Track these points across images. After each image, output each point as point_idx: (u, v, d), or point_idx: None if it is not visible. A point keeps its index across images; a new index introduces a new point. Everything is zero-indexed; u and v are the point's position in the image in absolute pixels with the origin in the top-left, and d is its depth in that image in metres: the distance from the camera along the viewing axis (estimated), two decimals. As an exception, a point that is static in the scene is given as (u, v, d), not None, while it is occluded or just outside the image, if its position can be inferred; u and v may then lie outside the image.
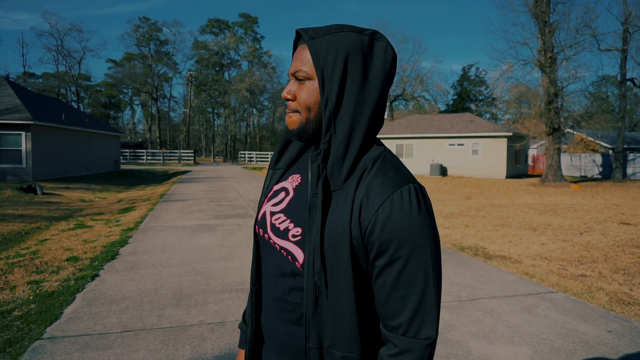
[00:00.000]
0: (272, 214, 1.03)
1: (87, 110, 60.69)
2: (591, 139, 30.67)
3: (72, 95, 60.86)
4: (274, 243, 0.99)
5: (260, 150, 61.88)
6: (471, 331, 3.48)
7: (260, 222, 1.07)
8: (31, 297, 4.12)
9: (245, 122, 72.93)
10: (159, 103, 66.30)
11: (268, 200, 1.08)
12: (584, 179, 26.61)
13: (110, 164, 28.66)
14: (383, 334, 0.91)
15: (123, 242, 6.56)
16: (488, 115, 54.24)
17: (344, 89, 0.91)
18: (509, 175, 26.00)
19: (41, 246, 6.50)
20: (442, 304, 4.08)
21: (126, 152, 43.26)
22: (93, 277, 4.76)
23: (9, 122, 17.26)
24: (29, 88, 30.24)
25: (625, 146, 27.23)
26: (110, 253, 5.84)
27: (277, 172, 1.11)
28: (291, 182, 1.05)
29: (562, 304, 4.15)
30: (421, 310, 0.87)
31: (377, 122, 0.95)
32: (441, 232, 8.12)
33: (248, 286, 4.50)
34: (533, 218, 10.09)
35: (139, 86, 63.75)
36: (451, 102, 57.92)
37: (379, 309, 0.91)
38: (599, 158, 30.56)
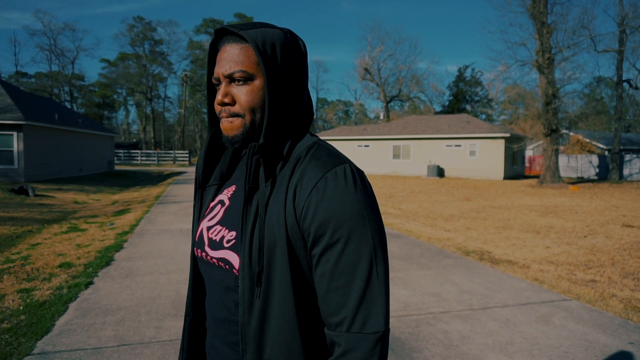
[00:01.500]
0: (209, 228, 0.95)
1: (81, 111, 60.14)
2: (587, 140, 30.72)
3: (66, 95, 60.32)
4: (212, 258, 0.92)
5: (255, 151, 61.39)
6: (487, 343, 3.31)
7: (197, 243, 0.98)
8: (21, 308, 3.90)
9: (241, 123, 72.44)
10: (153, 103, 65.85)
11: (204, 217, 1.00)
12: (580, 180, 26.62)
13: (104, 164, 28.34)
14: (328, 338, 0.82)
15: (118, 247, 6.34)
16: (483, 116, 54.39)
17: (285, 83, 0.88)
18: (507, 177, 25.95)
19: (32, 251, 6.27)
20: (455, 313, 3.91)
21: (120, 152, 42.88)
22: (87, 285, 4.55)
23: (0, 122, 16.94)
24: (21, 88, 29.87)
25: (621, 147, 27.26)
26: (105, 259, 5.63)
27: (211, 189, 1.03)
28: (226, 193, 0.99)
29: (577, 313, 3.99)
30: (367, 299, 0.78)
31: (307, 113, 0.94)
32: (443, 235, 7.98)
33: (250, 294, 4.31)
34: (534, 220, 9.97)
35: (133, 86, 63.27)
36: (447, 103, 57.97)
37: (321, 307, 0.82)
38: (595, 159, 30.61)
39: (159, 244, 6.58)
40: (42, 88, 55.77)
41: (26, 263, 5.50)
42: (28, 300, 4.08)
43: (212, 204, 1.01)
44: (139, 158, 43.73)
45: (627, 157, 28.87)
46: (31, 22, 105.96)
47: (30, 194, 13.34)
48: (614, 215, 11.01)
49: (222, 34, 0.91)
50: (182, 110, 60.49)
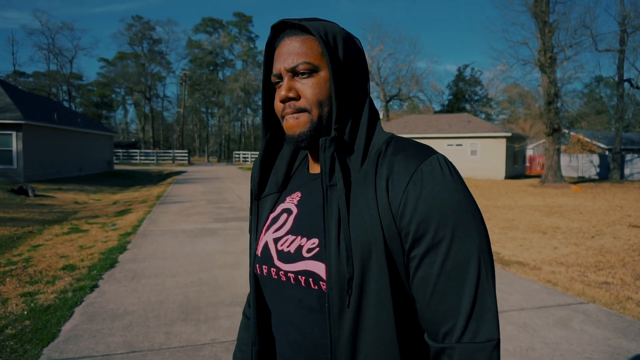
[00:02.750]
0: (277, 240, 0.85)
1: (79, 110, 59.83)
2: (588, 140, 30.67)
3: (64, 95, 60.06)
4: (287, 273, 0.80)
5: (254, 151, 61.40)
6: (508, 349, 3.21)
7: (261, 259, 0.87)
8: (25, 312, 3.79)
9: (240, 122, 72.50)
10: (152, 102, 65.65)
11: (267, 230, 0.90)
12: (581, 180, 26.57)
13: (104, 164, 28.18)
14: (433, 349, 0.72)
15: (121, 248, 6.23)
16: (483, 116, 54.36)
17: (349, 76, 0.82)
18: (508, 176, 25.88)
19: (34, 252, 6.15)
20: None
21: (119, 152, 42.71)
22: (92, 288, 4.44)
23: (-1, 122, 16.81)
24: (19, 87, 29.69)
25: (622, 147, 27.22)
26: (109, 260, 5.52)
27: (269, 199, 0.94)
28: (291, 200, 0.90)
29: (596, 317, 3.90)
30: (478, 304, 0.68)
31: (372, 109, 0.86)
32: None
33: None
34: (540, 220, 9.89)
35: (131, 85, 63.06)
36: (446, 102, 57.92)
37: (422, 314, 0.72)
38: (596, 159, 30.57)
39: (163, 245, 6.47)
40: (40, 87, 55.53)
41: (28, 265, 5.39)
42: (32, 305, 3.98)
43: (272, 215, 0.92)
44: (137, 157, 43.56)
45: (628, 156, 28.85)
46: (29, 21, 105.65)
47: (30, 194, 13.21)
48: (619, 215, 10.93)
49: (279, 30, 0.85)
50: (181, 110, 60.27)
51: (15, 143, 17.22)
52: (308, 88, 0.80)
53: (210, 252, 6.07)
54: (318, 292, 0.76)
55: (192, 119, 72.91)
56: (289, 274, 0.80)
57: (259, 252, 0.89)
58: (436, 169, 0.73)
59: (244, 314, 1.07)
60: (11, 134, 17.16)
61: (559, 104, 20.96)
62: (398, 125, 31.93)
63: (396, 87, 53.86)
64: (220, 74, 71.03)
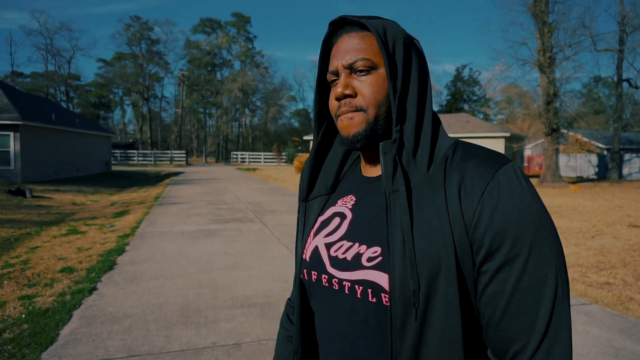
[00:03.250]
0: (329, 245, 0.81)
1: (77, 110, 59.66)
2: (586, 140, 30.71)
3: (62, 95, 59.88)
4: (341, 282, 0.75)
5: (252, 151, 61.36)
6: (511, 352, 3.18)
7: (310, 264, 0.83)
8: (23, 316, 3.75)
9: (238, 123, 72.41)
10: (150, 103, 65.52)
11: (316, 234, 0.85)
12: (580, 180, 26.60)
13: (102, 165, 28.09)
14: None
15: (120, 250, 6.19)
16: (481, 116, 54.40)
17: (408, 76, 0.78)
18: (506, 176, 25.85)
19: (32, 254, 6.10)
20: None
21: (117, 153, 42.60)
22: (91, 291, 4.40)
23: (-4, 123, 16.73)
24: (17, 88, 29.57)
25: (620, 147, 27.26)
26: (108, 262, 5.47)
27: (317, 201, 0.90)
28: (344, 204, 0.85)
29: (599, 318, 3.87)
30: (553, 324, 0.64)
31: (434, 113, 0.82)
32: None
33: (260, 300, 4.18)
34: (540, 221, 9.86)
35: (129, 86, 62.90)
36: (445, 102, 57.94)
37: (491, 331, 0.67)
38: (594, 158, 30.61)
39: (162, 247, 6.42)
40: (38, 88, 55.38)
41: (26, 267, 5.34)
42: (30, 308, 3.93)
43: (322, 218, 0.87)
44: (135, 158, 43.46)
45: (627, 156, 28.89)
46: (27, 22, 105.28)
47: (28, 195, 13.14)
48: (619, 215, 10.93)
49: (337, 26, 0.82)
50: (179, 110, 60.23)
51: (12, 144, 17.14)
52: (366, 86, 0.77)
53: (210, 254, 6.02)
54: (376, 305, 0.71)
55: (190, 119, 72.79)
56: (344, 282, 0.75)
57: (307, 256, 0.84)
58: (512, 177, 0.68)
59: (282, 325, 1.02)
60: (9, 135, 17.08)
61: (557, 104, 20.96)
62: (396, 125, 31.88)
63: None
64: (218, 75, 70.95)
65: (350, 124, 0.78)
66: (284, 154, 48.97)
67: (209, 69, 69.36)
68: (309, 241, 0.86)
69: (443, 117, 31.61)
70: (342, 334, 0.76)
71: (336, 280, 0.76)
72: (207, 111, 70.36)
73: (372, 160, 0.84)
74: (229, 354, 3.08)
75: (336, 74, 0.80)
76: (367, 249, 0.74)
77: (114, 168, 33.27)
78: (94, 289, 4.49)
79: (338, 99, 0.78)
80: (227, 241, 6.91)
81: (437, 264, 0.66)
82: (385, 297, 0.69)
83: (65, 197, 14.30)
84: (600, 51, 22.84)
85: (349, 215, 0.82)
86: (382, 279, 0.70)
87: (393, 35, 0.78)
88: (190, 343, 3.24)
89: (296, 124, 77.16)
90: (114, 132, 57.52)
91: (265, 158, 50.78)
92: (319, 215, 0.88)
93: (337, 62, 0.79)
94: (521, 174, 0.70)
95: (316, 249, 0.83)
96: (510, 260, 0.65)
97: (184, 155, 45.13)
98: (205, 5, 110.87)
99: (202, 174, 26.80)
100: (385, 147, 0.73)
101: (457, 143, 0.77)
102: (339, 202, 0.86)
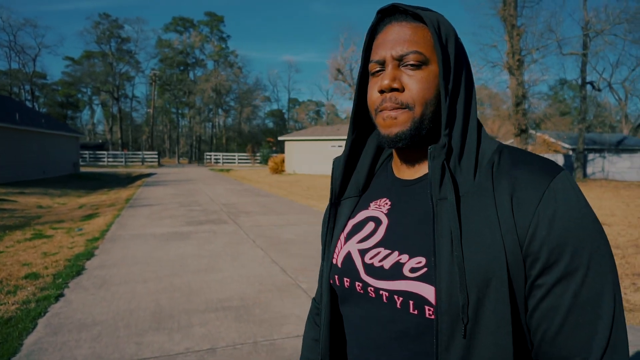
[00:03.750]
0: (363, 252, 0.76)
1: (43, 110, 57.64)
2: (553, 140, 31.67)
3: (27, 94, 57.74)
4: (378, 290, 0.72)
5: (226, 152, 60.65)
6: None
7: (342, 270, 0.79)
8: (-16, 325, 3.57)
9: (211, 123, 71.54)
10: (120, 103, 63.98)
11: (348, 238, 0.81)
12: (547, 179, 27.33)
13: (69, 166, 27.24)
14: None
15: (89, 254, 5.98)
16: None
17: (459, 76, 0.73)
18: (477, 176, 26.41)
19: (-6, 260, 5.83)
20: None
21: (85, 154, 41.42)
22: (57, 298, 4.22)
23: (-44, 122, 15.99)
24: (-22, 86, 28.37)
25: (584, 147, 28.22)
26: (76, 267, 5.28)
27: (348, 203, 0.86)
28: (378, 208, 0.80)
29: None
30: (613, 340, 0.61)
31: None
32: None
33: (235, 303, 4.11)
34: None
35: (99, 85, 61.26)
36: (417, 103, 58.69)
37: (544, 347, 0.64)
38: (560, 158, 31.57)
39: (132, 250, 6.25)
40: (1, 87, 53.29)
41: (-12, 274, 5.10)
42: (-9, 317, 3.74)
43: (353, 221, 0.83)
44: (105, 159, 42.37)
45: (591, 156, 29.92)
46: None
47: (-10, 198, 12.60)
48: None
49: (386, 15, 0.77)
50: (151, 110, 59.02)
51: (-27, 145, 16.42)
52: (415, 82, 0.72)
53: (183, 256, 5.89)
54: (418, 318, 0.67)
55: (162, 119, 71.49)
56: (381, 292, 0.71)
57: (338, 262, 0.80)
58: (568, 187, 0.65)
59: (309, 328, 1.00)
60: (-31, 135, 16.36)
61: (526, 106, 21.53)
62: (371, 126, 32.14)
63: (368, 88, 54.22)
64: (191, 74, 69.97)
65: (393, 122, 0.72)
66: (258, 154, 48.64)
67: (182, 68, 68.30)
68: (339, 245, 0.83)
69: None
70: (376, 344, 0.73)
71: (372, 289, 0.73)
72: (180, 111, 69.28)
73: (410, 162, 0.79)
74: (204, 359, 3.01)
75: (382, 64, 0.74)
76: (409, 259, 0.70)
77: (83, 170, 32.31)
78: (61, 295, 4.32)
79: (382, 92, 0.73)
80: (200, 243, 6.78)
81: (488, 277, 0.63)
82: (429, 310, 0.66)
83: (30, 199, 13.78)
84: (565, 55, 23.65)
85: (385, 220, 0.78)
86: (426, 291, 0.66)
87: (446, 31, 0.73)
88: (163, 349, 3.14)
89: (271, 125, 76.78)
90: (82, 132, 55.95)
91: (239, 159, 50.32)
92: (350, 218, 0.84)
93: (385, 52, 0.73)
94: (575, 183, 0.66)
95: (349, 255, 0.79)
96: (568, 274, 0.62)
97: (156, 156, 44.26)
98: (177, 3, 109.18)
99: (175, 175, 26.32)
100: (435, 152, 0.69)
101: (502, 147, 0.73)
102: (372, 205, 0.82)
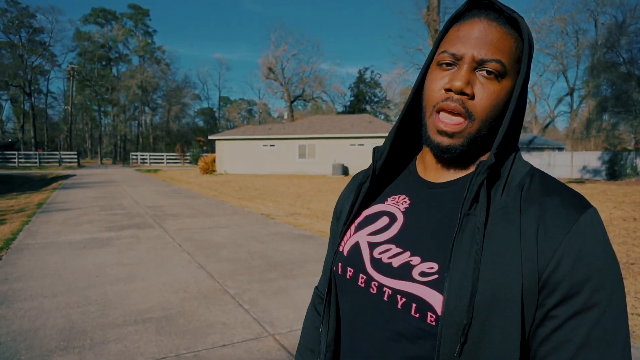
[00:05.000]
0: (373, 245, 0.75)
1: (-60, 106, 51.68)
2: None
3: None
4: (382, 287, 0.70)
5: (154, 152, 58.05)
6: None
7: (347, 259, 0.77)
8: None
9: (137, 122, 68.11)
10: (33, 99, 58.88)
11: (359, 228, 0.80)
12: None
13: (-28, 168, 24.62)
14: None
15: (-11, 267, 5.37)
16: (382, 117, 57.17)
17: (524, 96, 0.71)
18: (406, 174, 27.42)
19: None
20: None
21: (-8, 154, 37.70)
22: (-54, 319, 3.72)
23: None
24: None
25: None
26: (-28, 283, 4.71)
27: (364, 189, 0.82)
28: (395, 204, 0.79)
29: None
30: None
31: None
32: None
33: (157, 314, 3.86)
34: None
35: (7, 79, 55.85)
36: (348, 103, 59.84)
37: None
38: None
39: (43, 261, 5.70)
40: None
41: None
42: None
43: (367, 212, 0.81)
44: (16, 160, 38.84)
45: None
46: None
47: None
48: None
49: (475, 7, 0.71)
50: (69, 107, 54.95)
51: None
52: (488, 94, 0.67)
53: (101, 265, 5.47)
54: (418, 322, 0.66)
55: (83, 117, 67.03)
56: (384, 288, 0.70)
57: (345, 250, 0.78)
58: (597, 226, 0.64)
59: (310, 316, 0.97)
60: None
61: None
62: (302, 125, 32.25)
63: (300, 88, 54.48)
64: (114, 70, 66.12)
65: (449, 130, 0.68)
66: (188, 154, 47.06)
67: (104, 63, 64.41)
68: (348, 234, 0.80)
69: (347, 118, 32.60)
70: (371, 340, 0.72)
71: (376, 283, 0.71)
72: (103, 109, 65.22)
73: (440, 164, 0.76)
74: (118, 379, 2.77)
75: (457, 59, 0.68)
76: (421, 262, 0.68)
77: (-11, 172, 29.35)
78: (-48, 316, 3.81)
79: (449, 90, 0.68)
80: (121, 250, 6.35)
81: (498, 297, 0.61)
82: (431, 316, 0.64)
83: None
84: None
85: (401, 218, 0.76)
86: (433, 298, 0.64)
87: (533, 44, 0.70)
88: (72, 371, 2.86)
89: (201, 123, 74.67)
90: (-12, 130, 50.82)
91: (168, 159, 48.40)
92: (365, 207, 0.82)
93: (467, 49, 0.67)
94: (601, 221, 0.66)
95: (357, 245, 0.77)
96: (585, 310, 0.61)
97: (76, 156, 41.35)
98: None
99: (97, 177, 24.70)
100: (481, 169, 0.66)
101: (534, 171, 0.71)
102: (389, 199, 0.80)
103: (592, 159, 24.68)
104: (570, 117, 44.83)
